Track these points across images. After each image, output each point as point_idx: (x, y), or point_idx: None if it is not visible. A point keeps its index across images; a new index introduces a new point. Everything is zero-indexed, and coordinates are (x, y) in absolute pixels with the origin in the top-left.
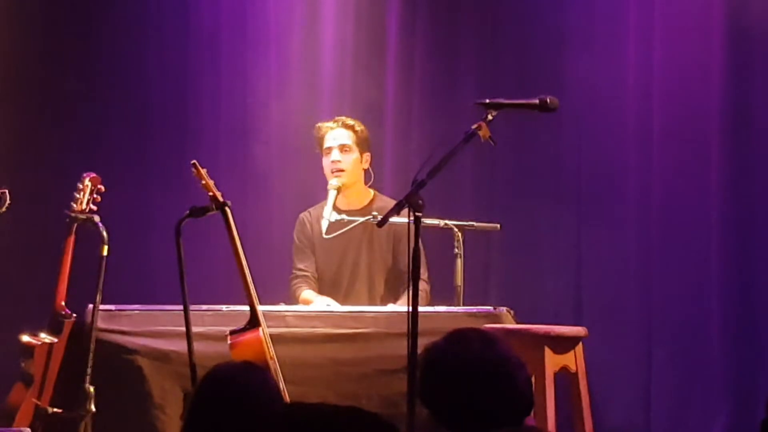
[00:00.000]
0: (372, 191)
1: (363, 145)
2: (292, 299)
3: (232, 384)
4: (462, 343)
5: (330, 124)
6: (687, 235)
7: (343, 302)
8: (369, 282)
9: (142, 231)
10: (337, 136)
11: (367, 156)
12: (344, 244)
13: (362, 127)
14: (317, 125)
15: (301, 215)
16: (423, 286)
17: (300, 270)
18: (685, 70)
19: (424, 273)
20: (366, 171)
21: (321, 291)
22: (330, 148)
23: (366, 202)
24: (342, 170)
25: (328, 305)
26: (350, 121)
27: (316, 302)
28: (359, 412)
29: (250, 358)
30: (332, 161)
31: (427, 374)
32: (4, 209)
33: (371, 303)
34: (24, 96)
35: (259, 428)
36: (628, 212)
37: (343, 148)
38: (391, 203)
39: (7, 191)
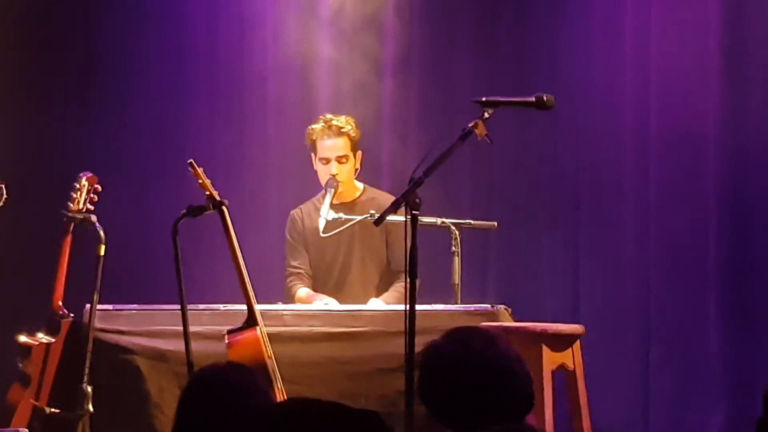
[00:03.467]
0: (361, 184)
1: (356, 147)
2: (288, 297)
3: (218, 384)
4: (462, 341)
5: (325, 130)
6: (684, 233)
7: (335, 297)
8: (362, 277)
9: (139, 230)
10: (334, 147)
11: (359, 155)
12: (336, 239)
13: (354, 128)
14: (310, 128)
15: (292, 212)
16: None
17: (294, 267)
18: (682, 68)
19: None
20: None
21: (314, 287)
22: (327, 159)
23: (356, 195)
24: (339, 181)
25: (326, 304)
26: (344, 127)
27: (314, 302)
28: (343, 408)
29: (247, 357)
30: (331, 174)
31: (428, 373)
32: (1, 203)
33: (364, 297)
34: (20, 95)
35: (245, 427)
36: (626, 210)
37: (340, 159)
38: (380, 194)
39: (3, 186)
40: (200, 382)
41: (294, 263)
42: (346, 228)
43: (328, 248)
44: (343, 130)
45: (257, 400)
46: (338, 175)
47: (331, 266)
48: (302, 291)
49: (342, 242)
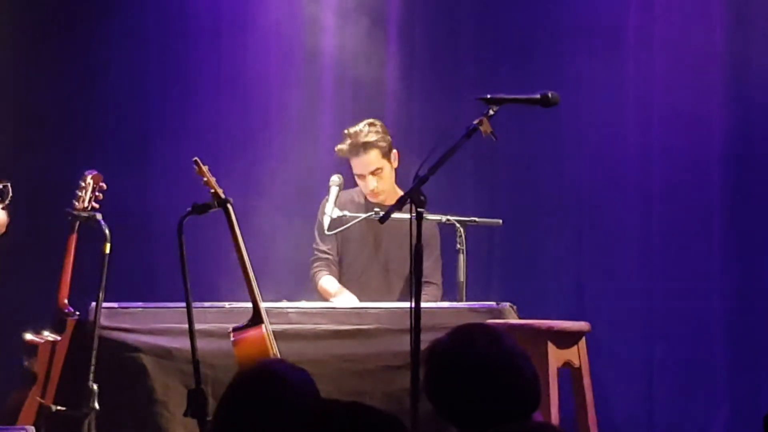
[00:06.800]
0: (401, 192)
1: (389, 150)
2: (311, 282)
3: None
4: (467, 339)
5: (352, 149)
6: (689, 230)
7: (354, 290)
8: (384, 277)
9: (144, 228)
10: (365, 163)
11: (394, 155)
12: (363, 236)
13: (382, 134)
14: (338, 149)
15: (326, 199)
16: (434, 291)
17: (322, 252)
18: (686, 65)
19: (436, 277)
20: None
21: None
22: (362, 175)
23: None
24: (379, 192)
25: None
26: (370, 137)
27: (337, 295)
28: (363, 411)
29: (253, 354)
30: (370, 190)
31: (433, 371)
32: (7, 202)
33: (383, 297)
34: (25, 94)
35: (282, 424)
36: (630, 207)
37: (375, 172)
38: None
39: (9, 184)
40: (262, 374)
41: (322, 247)
42: (372, 228)
43: (351, 246)
44: (369, 143)
45: (309, 399)
46: (377, 187)
47: (354, 261)
48: (326, 280)
49: (368, 240)
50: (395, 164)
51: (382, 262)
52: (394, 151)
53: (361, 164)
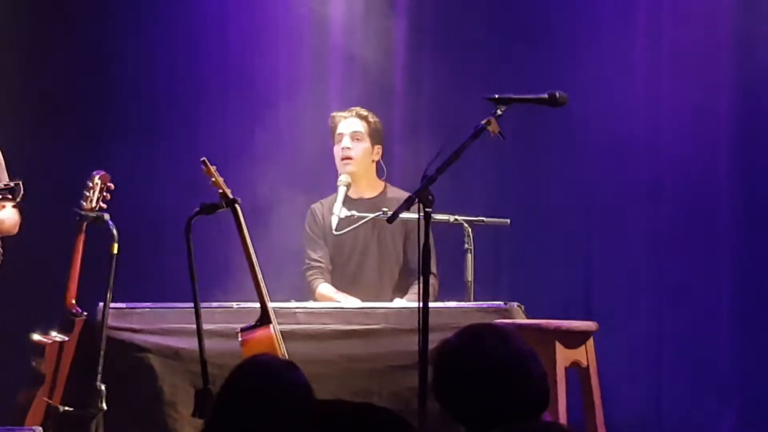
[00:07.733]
0: (383, 182)
1: (375, 136)
2: (307, 291)
3: (272, 376)
4: (476, 339)
5: (344, 113)
6: (697, 231)
7: (350, 291)
8: (378, 274)
9: (152, 228)
10: (350, 124)
11: (378, 148)
12: (353, 236)
13: (376, 119)
14: (332, 114)
15: (313, 206)
16: (431, 280)
17: (314, 261)
18: (694, 66)
19: (433, 267)
20: (377, 163)
21: (331, 282)
22: (341, 135)
23: (377, 193)
24: (350, 158)
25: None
26: (364, 112)
27: (335, 299)
28: (367, 411)
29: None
30: (342, 148)
31: (441, 370)
32: (19, 199)
33: (380, 294)
34: (33, 94)
35: (287, 423)
36: (638, 205)
37: (354, 135)
38: (403, 194)
39: (21, 182)
40: (256, 369)
41: (314, 256)
42: (365, 226)
43: (345, 244)
44: (362, 113)
45: (303, 398)
46: (350, 150)
47: (347, 262)
48: (323, 287)
49: (358, 239)
50: (375, 157)
51: (375, 256)
52: (379, 146)
53: (345, 124)
